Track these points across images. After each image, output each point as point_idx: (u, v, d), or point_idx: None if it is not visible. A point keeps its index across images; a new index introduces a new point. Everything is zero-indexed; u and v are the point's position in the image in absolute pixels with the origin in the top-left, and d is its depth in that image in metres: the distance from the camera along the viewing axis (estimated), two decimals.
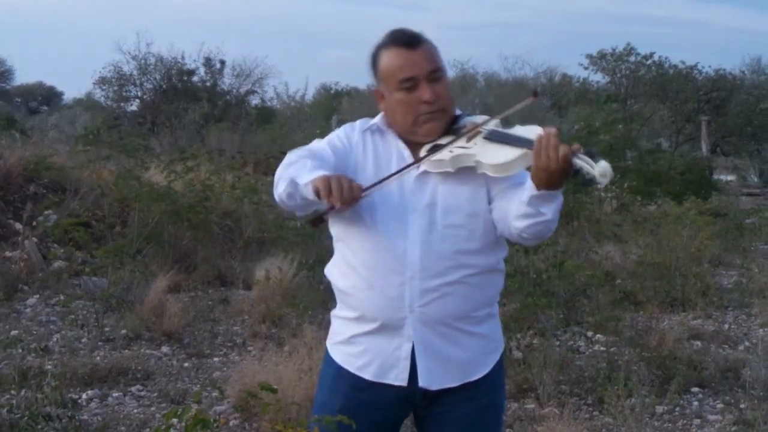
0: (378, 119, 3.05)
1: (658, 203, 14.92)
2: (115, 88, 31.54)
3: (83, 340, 7.91)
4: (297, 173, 2.84)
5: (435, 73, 2.91)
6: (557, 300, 7.44)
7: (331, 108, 40.94)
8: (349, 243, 3.00)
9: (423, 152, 2.91)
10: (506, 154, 2.75)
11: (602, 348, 7.72)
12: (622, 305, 8.40)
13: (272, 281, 9.01)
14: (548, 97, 42.15)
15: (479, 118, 2.95)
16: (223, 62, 31.66)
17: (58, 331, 8.11)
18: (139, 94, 31.60)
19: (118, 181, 11.33)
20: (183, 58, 31.23)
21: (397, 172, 2.89)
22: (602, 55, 30.69)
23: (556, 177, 2.63)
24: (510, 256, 7.63)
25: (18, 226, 10.78)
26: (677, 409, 6.50)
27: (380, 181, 2.88)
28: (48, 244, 10.59)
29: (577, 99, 32.33)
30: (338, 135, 3.06)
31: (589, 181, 2.57)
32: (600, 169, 2.52)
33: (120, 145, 13.46)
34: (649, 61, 30.22)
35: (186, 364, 7.50)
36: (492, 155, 2.79)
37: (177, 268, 10.15)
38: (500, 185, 2.85)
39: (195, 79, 31.56)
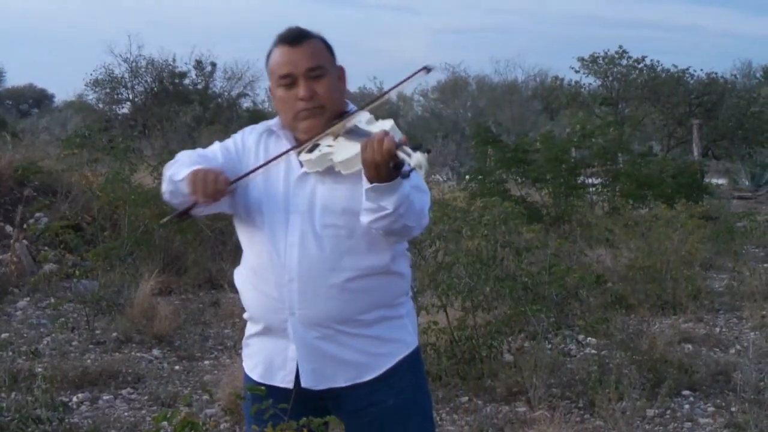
0: (275, 120, 3.08)
1: (649, 207, 14.93)
2: (107, 90, 31.52)
3: (74, 343, 7.90)
4: (176, 171, 2.89)
5: (314, 71, 2.91)
6: (548, 303, 7.44)
7: None
8: (245, 244, 3.07)
9: (303, 152, 2.92)
10: (351, 150, 2.76)
11: (593, 351, 7.73)
12: (614, 308, 8.40)
13: None
14: (539, 101, 42.22)
15: (361, 114, 2.92)
16: (214, 64, 31.68)
17: (48, 334, 8.09)
18: (131, 96, 31.60)
19: (105, 184, 11.30)
20: (174, 60, 31.26)
21: (262, 166, 2.92)
22: (594, 59, 30.67)
23: (380, 169, 2.61)
24: (500, 259, 7.67)
25: (8, 228, 10.76)
26: (668, 412, 6.51)
27: (245, 174, 2.91)
28: (38, 246, 10.57)
29: (568, 102, 32.30)
30: (234, 138, 3.11)
31: (409, 173, 2.60)
32: (415, 160, 2.53)
33: (107, 147, 13.40)
34: (641, 65, 30.24)
35: (177, 367, 7.49)
36: (342, 152, 2.80)
37: (167, 271, 10.15)
38: None
39: (186, 81, 31.57)
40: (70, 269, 9.20)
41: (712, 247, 12.58)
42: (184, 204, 2.91)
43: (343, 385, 2.98)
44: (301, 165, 2.92)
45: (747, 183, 26.10)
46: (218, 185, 2.77)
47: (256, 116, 32.80)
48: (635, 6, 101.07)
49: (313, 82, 2.91)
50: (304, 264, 2.89)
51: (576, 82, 31.97)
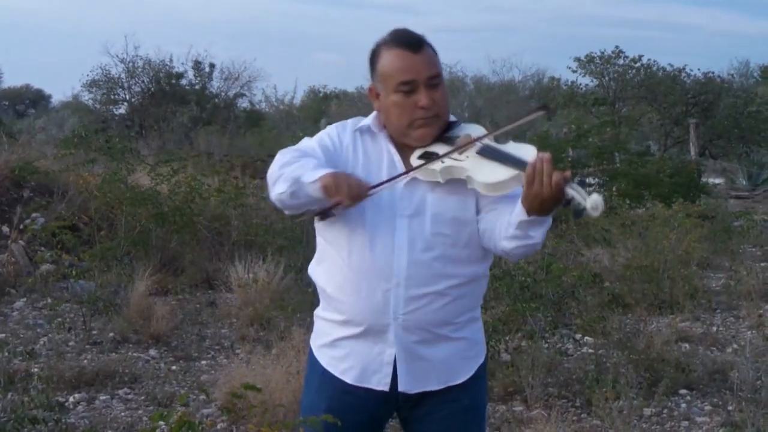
0: (370, 120, 3.02)
1: (646, 206, 14.94)
2: (104, 91, 31.46)
3: (70, 344, 7.89)
4: (300, 172, 2.81)
5: (434, 79, 2.89)
6: (545, 302, 7.43)
7: (319, 111, 40.94)
8: (337, 246, 2.97)
9: (414, 158, 2.90)
10: (499, 173, 2.74)
11: (590, 350, 7.72)
12: (611, 308, 8.39)
13: (260, 284, 9.01)
14: (536, 100, 42.21)
15: (473, 128, 2.94)
16: (212, 65, 31.65)
17: (45, 335, 8.08)
18: (127, 97, 31.54)
19: (102, 185, 11.29)
20: (171, 61, 31.21)
21: (397, 177, 2.88)
22: (590, 59, 30.71)
23: (548, 204, 2.63)
24: (497, 258, 7.66)
25: (5, 229, 10.75)
26: (665, 411, 6.51)
27: (385, 182, 2.87)
28: (35, 247, 10.55)
29: (565, 102, 32.32)
30: (329, 134, 3.03)
31: (580, 212, 2.55)
32: (591, 202, 2.52)
33: (105, 147, 13.40)
34: (638, 64, 30.28)
35: (173, 368, 7.48)
36: (484, 173, 2.77)
37: (164, 271, 10.13)
38: (489, 197, 2.84)
39: (183, 82, 31.51)
40: (67, 269, 9.19)
41: (709, 246, 12.58)
42: (309, 205, 2.86)
43: (436, 388, 3.01)
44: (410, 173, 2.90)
45: (744, 182, 26.09)
46: (362, 190, 2.75)
47: (253, 116, 32.92)
48: (632, 6, 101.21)
49: (432, 90, 2.88)
50: (413, 269, 2.88)
51: (573, 82, 32.00)
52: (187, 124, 28.18)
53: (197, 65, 31.48)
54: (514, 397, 6.59)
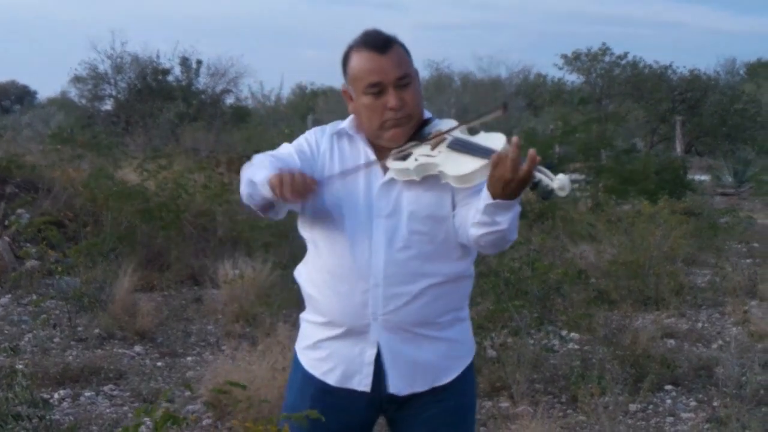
0: (347, 123, 3.02)
1: (632, 203, 14.97)
2: (90, 86, 31.36)
3: (55, 340, 7.87)
4: (255, 173, 2.82)
5: (403, 80, 2.87)
6: (531, 299, 7.44)
7: (306, 107, 40.91)
8: (318, 246, 2.99)
9: (390, 159, 2.89)
10: (468, 164, 2.72)
11: (576, 346, 7.74)
12: (596, 304, 8.41)
13: (246, 280, 8.99)
14: (523, 97, 42.27)
15: (446, 123, 2.92)
16: (200, 62, 31.57)
17: (29, 331, 8.06)
18: (114, 93, 31.45)
19: (89, 180, 11.26)
20: (158, 57, 31.13)
21: (354, 169, 2.88)
22: (577, 55, 30.79)
23: (513, 188, 2.59)
24: (481, 256, 7.67)
25: None
26: (650, 407, 6.52)
27: (337, 175, 2.88)
28: (20, 243, 10.52)
29: (551, 99, 32.41)
30: (307, 138, 3.04)
31: (548, 194, 2.54)
32: (558, 183, 2.50)
33: (92, 143, 13.37)
34: (624, 61, 30.36)
35: (159, 364, 7.46)
36: (454, 166, 2.76)
37: (150, 267, 10.11)
38: (464, 191, 2.82)
39: (170, 78, 31.42)
40: (52, 266, 9.16)
41: (694, 242, 12.61)
42: (267, 205, 2.86)
43: (422, 389, 3.00)
44: (385, 171, 2.90)
45: (729, 179, 26.15)
46: (307, 185, 2.70)
47: (239, 113, 32.85)
48: (619, 3, 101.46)
49: (401, 90, 2.87)
50: (390, 269, 2.87)
51: (559, 79, 32.08)
52: (174, 120, 28.08)
53: (184, 61, 31.40)
54: (500, 393, 6.59)
